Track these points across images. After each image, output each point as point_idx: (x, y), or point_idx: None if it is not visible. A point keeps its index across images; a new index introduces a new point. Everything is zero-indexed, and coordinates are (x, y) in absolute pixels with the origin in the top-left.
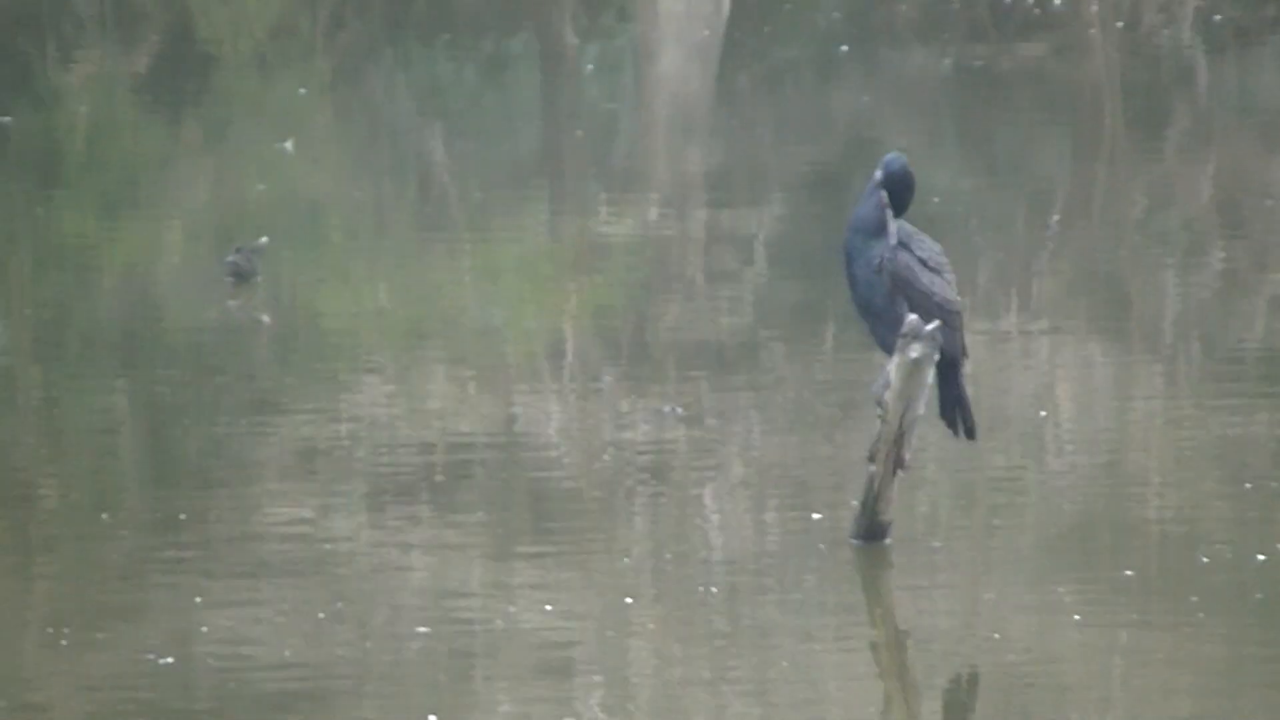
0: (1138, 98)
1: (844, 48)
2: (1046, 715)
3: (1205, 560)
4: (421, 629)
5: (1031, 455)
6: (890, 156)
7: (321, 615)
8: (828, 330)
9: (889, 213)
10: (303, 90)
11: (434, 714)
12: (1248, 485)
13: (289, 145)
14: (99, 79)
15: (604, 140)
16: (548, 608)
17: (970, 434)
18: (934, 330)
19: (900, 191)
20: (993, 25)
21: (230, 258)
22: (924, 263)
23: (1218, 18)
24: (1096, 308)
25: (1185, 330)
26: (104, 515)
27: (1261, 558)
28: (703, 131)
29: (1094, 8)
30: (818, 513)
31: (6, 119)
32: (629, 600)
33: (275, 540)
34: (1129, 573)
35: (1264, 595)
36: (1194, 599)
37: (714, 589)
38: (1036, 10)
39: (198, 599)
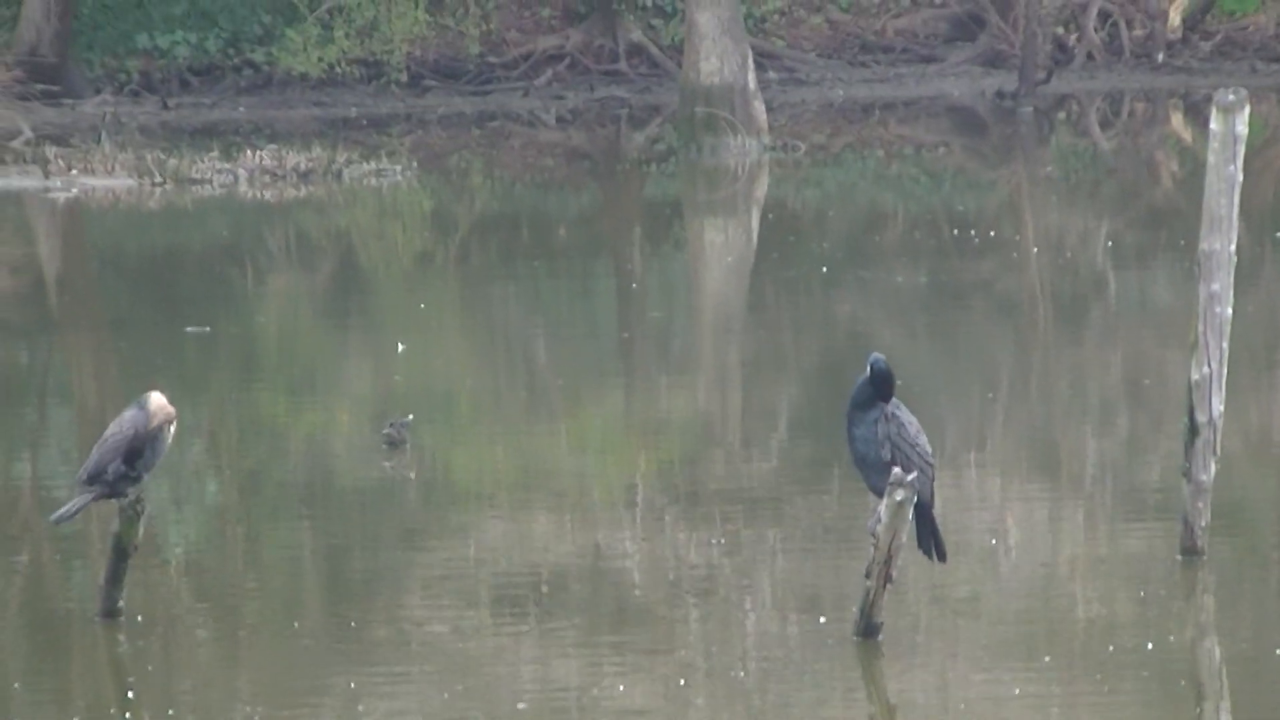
0: (1063, 302)
1: (824, 269)
2: None
3: (1111, 649)
4: (521, 705)
5: (985, 572)
6: (874, 357)
7: (445, 695)
8: (833, 479)
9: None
10: (422, 305)
11: None
12: (1141, 593)
13: (400, 347)
14: (284, 296)
15: (664, 338)
16: (621, 687)
17: (941, 557)
18: (913, 479)
19: (882, 383)
20: (952, 249)
21: (385, 430)
22: (907, 425)
23: (1110, 243)
24: (1034, 460)
25: (1100, 476)
26: (294, 624)
27: (1150, 646)
28: (738, 329)
29: (1017, 238)
30: (825, 616)
31: (206, 329)
32: (682, 682)
33: (419, 639)
34: (1056, 658)
35: (1150, 674)
36: (1098, 676)
37: (743, 674)
38: (976, 240)
39: (353, 685)
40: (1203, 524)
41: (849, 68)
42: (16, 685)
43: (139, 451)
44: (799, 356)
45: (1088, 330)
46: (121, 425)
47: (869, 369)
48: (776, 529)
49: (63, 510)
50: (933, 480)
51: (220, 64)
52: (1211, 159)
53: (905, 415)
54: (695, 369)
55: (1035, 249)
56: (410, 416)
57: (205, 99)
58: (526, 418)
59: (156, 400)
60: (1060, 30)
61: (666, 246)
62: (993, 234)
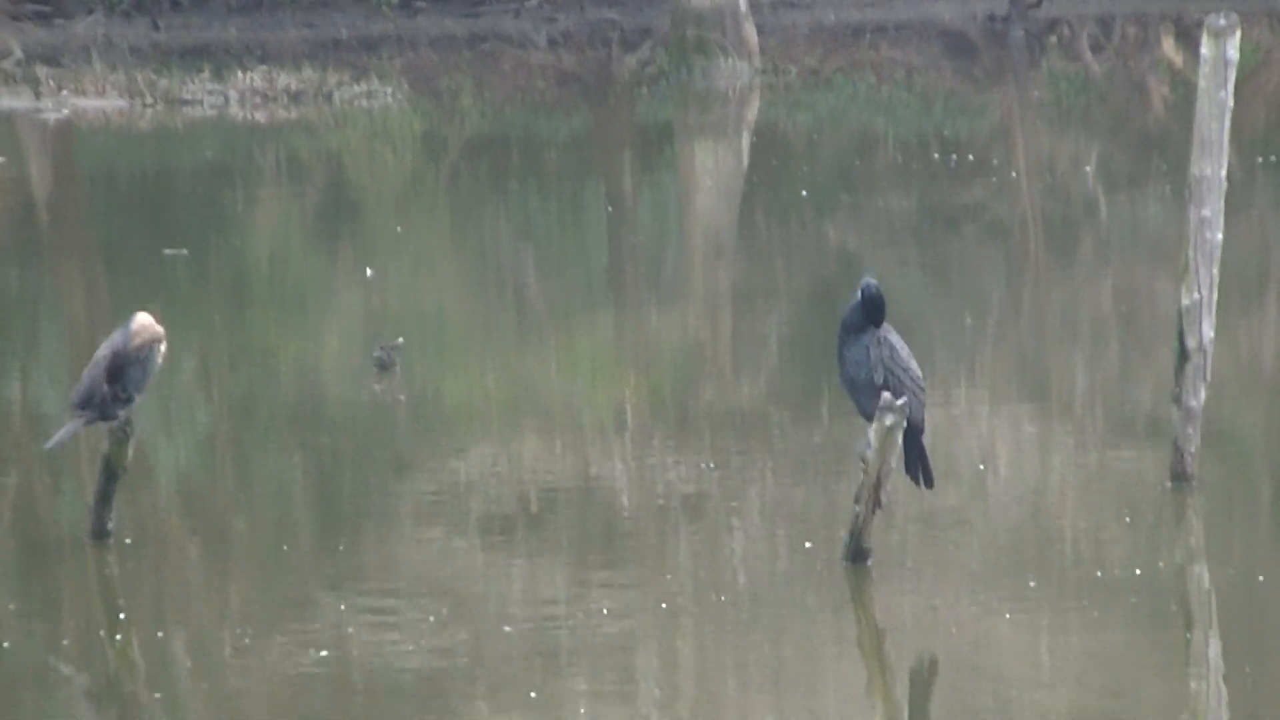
0: (1054, 227)
1: (814, 193)
2: (987, 684)
3: (1099, 574)
4: (507, 628)
5: (974, 497)
6: (865, 282)
7: (432, 618)
8: (823, 403)
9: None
10: (399, 229)
11: (532, 691)
12: (1128, 519)
13: (369, 271)
14: (275, 218)
15: (654, 262)
16: (607, 610)
17: (929, 482)
18: (903, 403)
19: (873, 308)
20: (942, 173)
21: (375, 353)
22: (898, 349)
23: (1100, 168)
24: (1023, 384)
25: (1090, 400)
26: (284, 547)
27: (1138, 571)
28: (728, 253)
29: (995, 162)
30: (814, 541)
31: (183, 251)
32: (663, 605)
33: (407, 562)
34: (1045, 583)
35: (1138, 599)
36: (1087, 601)
37: (731, 598)
38: (963, 164)
39: (342, 607)
40: (1192, 449)
41: None
42: (11, 606)
43: (121, 369)
44: (789, 280)
45: (1078, 255)
46: (109, 346)
47: (860, 293)
48: (766, 453)
49: (55, 439)
50: (923, 405)
51: None
52: (1202, 84)
53: (896, 339)
54: (685, 293)
55: (1025, 173)
56: (400, 340)
57: (196, 19)
58: (517, 341)
59: (141, 320)
60: None
61: (657, 170)
62: (978, 159)
